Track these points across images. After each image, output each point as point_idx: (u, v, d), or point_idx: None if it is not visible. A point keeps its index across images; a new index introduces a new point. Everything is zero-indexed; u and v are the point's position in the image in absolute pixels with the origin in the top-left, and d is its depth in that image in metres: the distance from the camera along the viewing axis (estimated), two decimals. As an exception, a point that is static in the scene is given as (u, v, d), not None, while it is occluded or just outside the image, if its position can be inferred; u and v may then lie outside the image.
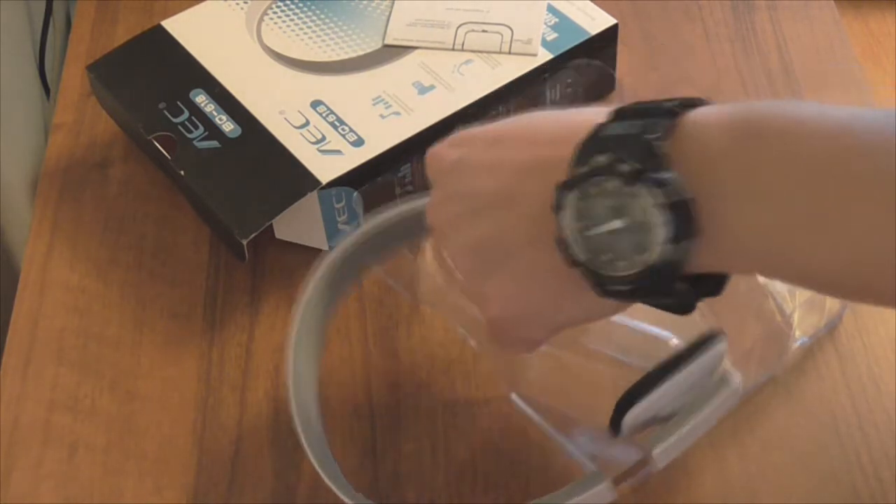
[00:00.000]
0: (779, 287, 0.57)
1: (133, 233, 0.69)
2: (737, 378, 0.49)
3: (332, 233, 0.66)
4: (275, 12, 0.73)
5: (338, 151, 0.64)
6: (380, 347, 0.62)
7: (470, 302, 0.48)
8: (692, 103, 0.42)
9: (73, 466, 0.58)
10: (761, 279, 0.57)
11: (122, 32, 0.80)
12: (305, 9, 0.73)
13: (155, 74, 0.71)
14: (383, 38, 0.71)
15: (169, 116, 0.68)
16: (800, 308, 0.57)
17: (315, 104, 0.67)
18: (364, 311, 0.64)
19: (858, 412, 0.57)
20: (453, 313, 0.59)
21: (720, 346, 0.49)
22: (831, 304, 0.59)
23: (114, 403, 0.61)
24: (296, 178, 0.63)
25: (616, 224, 0.41)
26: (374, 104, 0.67)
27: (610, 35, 0.71)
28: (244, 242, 0.62)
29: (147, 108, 0.69)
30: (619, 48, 0.72)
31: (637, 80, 0.75)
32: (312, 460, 0.51)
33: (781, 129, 0.39)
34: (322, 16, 0.73)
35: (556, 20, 0.71)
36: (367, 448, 0.58)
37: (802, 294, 0.58)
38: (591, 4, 0.72)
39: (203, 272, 0.66)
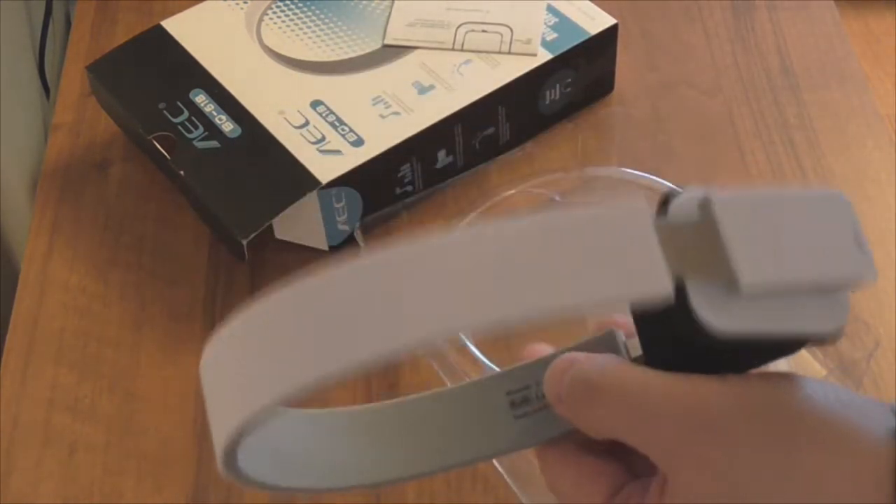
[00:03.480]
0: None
1: (133, 233, 0.69)
2: None
3: (333, 233, 0.66)
4: (274, 12, 0.73)
5: (337, 151, 0.64)
6: (380, 347, 0.62)
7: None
8: None
9: (73, 466, 0.58)
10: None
11: (122, 32, 0.80)
12: (305, 9, 0.73)
13: (155, 74, 0.71)
14: (383, 38, 0.71)
15: (169, 116, 0.68)
16: None
17: (315, 104, 0.67)
18: (364, 311, 0.64)
19: None
20: (449, 370, 0.59)
21: None
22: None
23: (114, 403, 0.61)
24: (296, 178, 0.63)
25: None
26: (373, 104, 0.67)
27: (610, 35, 0.71)
28: (244, 242, 0.62)
29: (147, 108, 0.69)
30: (619, 48, 0.72)
31: (637, 80, 0.75)
32: None
33: None
34: (322, 16, 0.73)
35: (556, 20, 0.71)
36: (366, 448, 0.58)
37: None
38: (591, 4, 0.72)
39: (203, 272, 0.66)
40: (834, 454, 0.32)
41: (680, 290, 0.30)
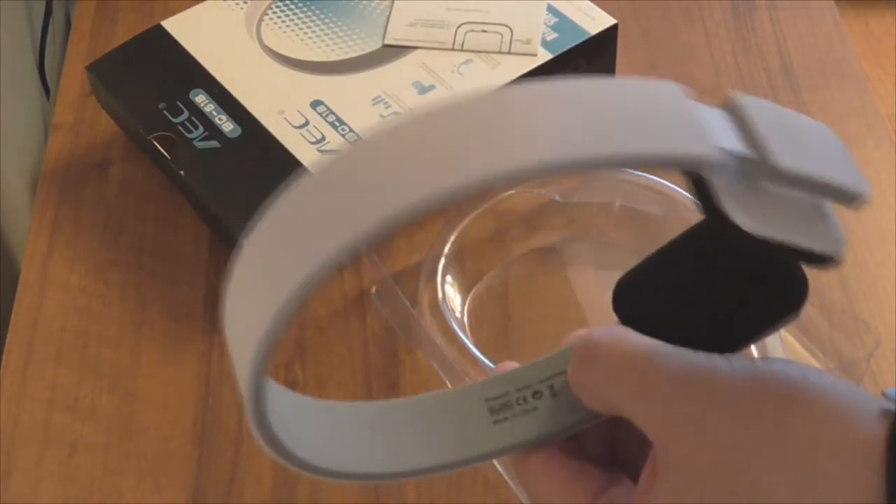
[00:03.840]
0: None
1: (133, 233, 0.69)
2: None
3: (332, 233, 0.66)
4: (274, 12, 0.73)
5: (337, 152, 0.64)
6: (380, 347, 0.62)
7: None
8: None
9: (73, 466, 0.58)
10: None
11: (122, 32, 0.80)
12: (305, 9, 0.73)
13: (155, 74, 0.71)
14: (383, 38, 0.71)
15: (169, 116, 0.68)
16: None
17: (315, 104, 0.67)
18: (364, 311, 0.64)
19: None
20: (449, 370, 0.59)
21: None
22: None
23: (114, 403, 0.61)
24: (296, 178, 0.63)
25: None
26: (373, 104, 0.67)
27: (610, 35, 0.71)
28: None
29: (147, 108, 0.69)
30: (619, 48, 0.72)
31: (637, 80, 0.75)
32: None
33: None
34: (322, 16, 0.73)
35: (556, 20, 0.71)
36: (366, 448, 0.58)
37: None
38: (591, 4, 0.72)
39: (203, 272, 0.66)
40: (826, 426, 0.33)
41: (704, 186, 0.32)
